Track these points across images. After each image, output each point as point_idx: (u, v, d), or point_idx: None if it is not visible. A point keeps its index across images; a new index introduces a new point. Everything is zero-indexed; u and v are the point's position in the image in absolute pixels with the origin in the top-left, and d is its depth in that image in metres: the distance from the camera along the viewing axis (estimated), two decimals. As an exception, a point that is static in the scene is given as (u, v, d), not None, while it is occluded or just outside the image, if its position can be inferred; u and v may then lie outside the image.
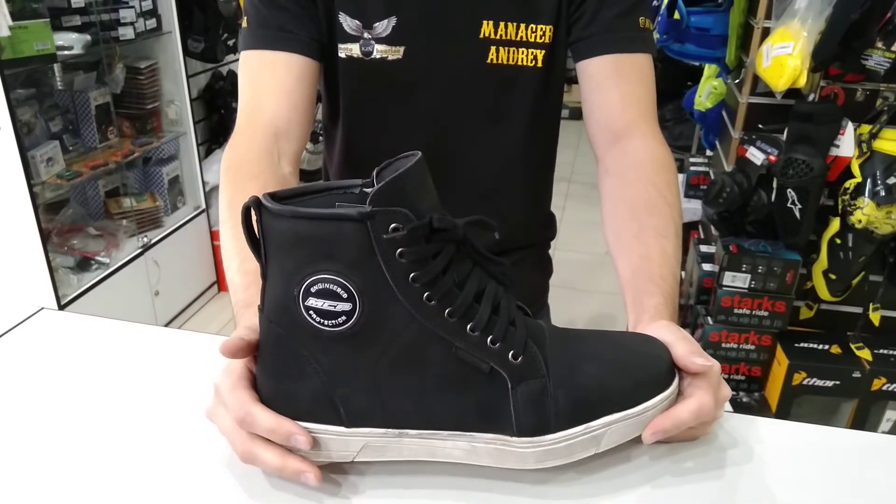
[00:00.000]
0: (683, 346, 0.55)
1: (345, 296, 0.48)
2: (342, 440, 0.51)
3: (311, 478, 0.50)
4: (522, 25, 0.83)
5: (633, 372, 0.53)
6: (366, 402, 0.51)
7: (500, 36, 0.83)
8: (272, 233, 0.49)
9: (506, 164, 0.91)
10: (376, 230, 0.47)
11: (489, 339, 0.50)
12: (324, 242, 0.47)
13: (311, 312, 0.49)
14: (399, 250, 0.47)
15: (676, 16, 1.91)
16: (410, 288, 0.48)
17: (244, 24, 0.84)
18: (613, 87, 0.83)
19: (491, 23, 0.82)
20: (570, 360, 0.52)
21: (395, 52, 0.83)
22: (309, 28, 0.82)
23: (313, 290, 0.48)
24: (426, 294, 0.49)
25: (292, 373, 0.51)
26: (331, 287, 0.48)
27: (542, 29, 0.84)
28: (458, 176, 0.87)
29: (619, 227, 0.76)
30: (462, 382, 0.50)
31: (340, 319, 0.49)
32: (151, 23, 2.53)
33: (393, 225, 0.47)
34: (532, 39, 0.84)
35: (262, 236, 0.50)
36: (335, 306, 0.48)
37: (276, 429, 0.50)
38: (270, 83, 0.81)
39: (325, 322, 0.49)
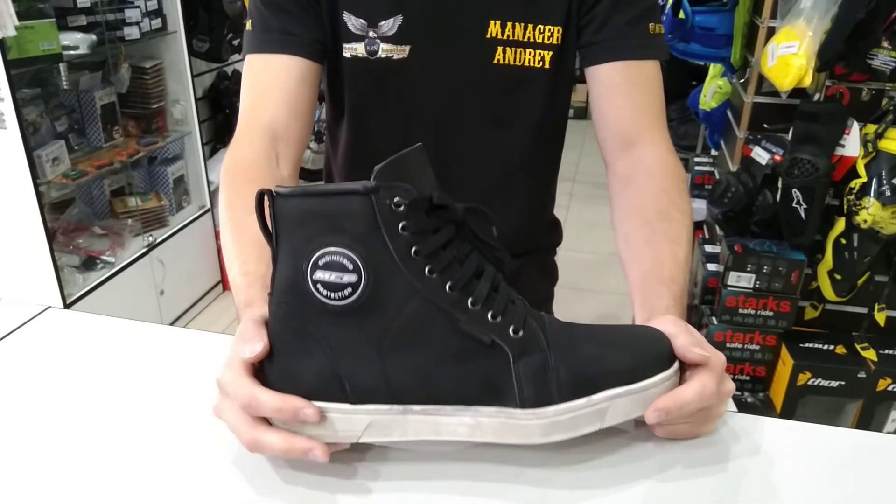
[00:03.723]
0: (684, 338, 0.56)
1: (351, 267, 0.50)
2: (347, 418, 0.52)
3: (320, 454, 0.51)
4: (530, 26, 0.83)
5: (633, 350, 0.54)
6: (371, 376, 0.51)
7: (508, 36, 0.83)
8: (283, 215, 0.51)
9: (510, 168, 0.91)
10: (380, 203, 0.49)
11: (489, 313, 0.52)
12: (331, 217, 0.50)
13: (318, 286, 0.50)
14: (402, 223, 0.50)
15: (681, 15, 1.91)
16: (413, 261, 0.50)
17: (248, 26, 0.84)
18: (623, 94, 0.83)
19: (498, 23, 0.82)
20: (569, 338, 0.53)
21: (400, 52, 0.83)
22: (311, 29, 0.82)
23: (321, 262, 0.50)
24: (427, 267, 0.51)
25: (299, 351, 0.52)
26: (337, 259, 0.50)
27: (550, 30, 0.83)
28: (461, 178, 0.87)
29: (630, 232, 0.76)
30: (464, 355, 0.51)
31: (346, 292, 0.50)
32: (156, 23, 2.54)
33: (396, 198, 0.49)
34: (540, 40, 0.83)
35: (274, 221, 0.52)
36: (342, 278, 0.50)
37: (282, 406, 0.51)
38: (271, 87, 0.81)
39: (332, 295, 0.50)
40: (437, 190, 0.52)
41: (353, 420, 0.52)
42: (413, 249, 0.50)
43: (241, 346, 0.53)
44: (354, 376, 0.51)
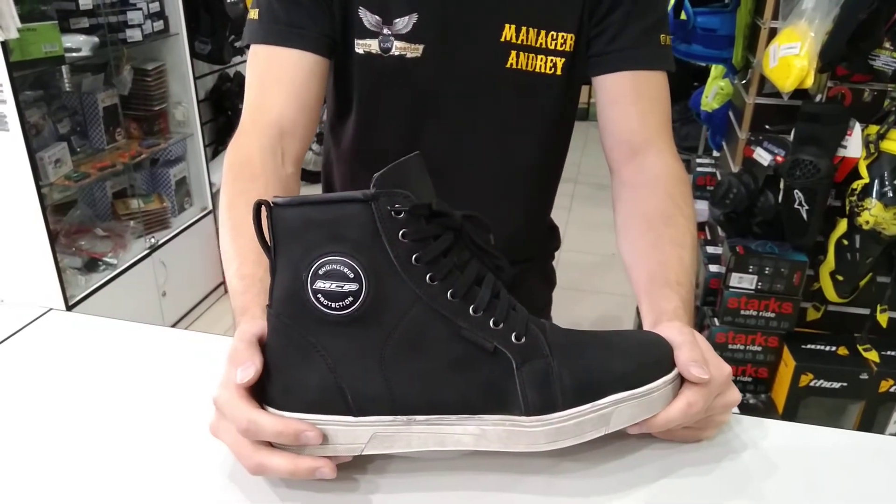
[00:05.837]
0: (687, 353, 0.55)
1: (351, 276, 0.49)
2: (350, 431, 0.51)
3: (327, 471, 0.50)
4: (543, 32, 0.82)
5: (635, 355, 0.54)
6: (373, 387, 0.50)
7: (522, 41, 0.82)
8: (281, 224, 0.50)
9: (515, 173, 0.91)
10: (380, 210, 0.49)
11: (491, 320, 0.52)
12: (331, 225, 0.50)
13: (318, 296, 0.50)
14: (402, 231, 0.50)
15: (683, 16, 1.91)
16: (413, 268, 0.50)
17: (254, 14, 0.82)
18: (631, 104, 0.84)
19: (513, 27, 0.81)
20: (571, 344, 0.53)
21: (414, 50, 0.82)
22: (322, 24, 0.81)
23: (321, 271, 0.49)
24: (429, 274, 0.51)
25: (299, 363, 0.51)
26: (338, 268, 0.49)
27: (563, 37, 0.83)
28: (465, 182, 0.86)
29: (634, 236, 0.76)
30: (467, 363, 0.51)
31: (347, 301, 0.50)
32: (159, 25, 2.55)
33: (396, 205, 0.49)
34: (552, 47, 0.83)
35: (272, 231, 0.51)
36: (342, 286, 0.49)
37: (283, 430, 0.50)
38: (279, 81, 0.80)
39: (333, 305, 0.50)
40: (435, 197, 0.52)
41: (355, 433, 0.51)
42: (414, 256, 0.50)
43: (232, 368, 0.52)
44: (356, 387, 0.51)
